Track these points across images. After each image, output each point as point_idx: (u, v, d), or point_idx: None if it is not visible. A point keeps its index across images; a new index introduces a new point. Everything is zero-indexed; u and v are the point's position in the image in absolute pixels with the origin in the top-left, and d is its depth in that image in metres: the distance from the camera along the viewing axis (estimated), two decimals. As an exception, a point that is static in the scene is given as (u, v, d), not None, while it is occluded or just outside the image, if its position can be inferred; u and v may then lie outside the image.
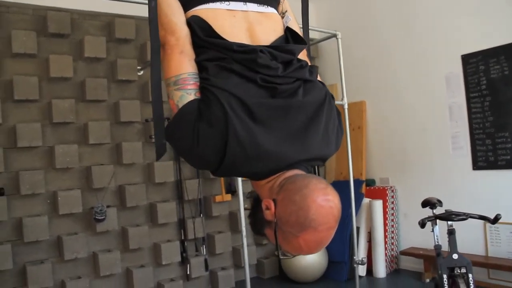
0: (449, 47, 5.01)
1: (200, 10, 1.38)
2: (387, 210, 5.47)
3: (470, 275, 3.13)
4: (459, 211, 3.41)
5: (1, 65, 4.28)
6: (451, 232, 3.30)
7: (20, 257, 4.22)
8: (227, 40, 1.34)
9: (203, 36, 1.35)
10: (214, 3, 1.39)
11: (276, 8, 1.54)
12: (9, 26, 4.32)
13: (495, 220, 3.13)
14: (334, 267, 5.36)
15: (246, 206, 5.61)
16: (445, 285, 3.17)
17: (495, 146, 4.65)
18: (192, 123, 1.25)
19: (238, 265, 5.40)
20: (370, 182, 5.84)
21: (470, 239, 4.71)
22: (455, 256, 3.21)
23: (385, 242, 5.38)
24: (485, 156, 4.74)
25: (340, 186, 5.06)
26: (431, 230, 3.56)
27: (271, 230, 1.23)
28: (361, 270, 5.31)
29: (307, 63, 1.46)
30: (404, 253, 5.33)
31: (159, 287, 4.90)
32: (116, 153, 4.80)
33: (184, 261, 5.06)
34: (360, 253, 5.29)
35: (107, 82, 4.76)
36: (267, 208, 1.22)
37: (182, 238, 5.09)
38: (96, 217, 4.45)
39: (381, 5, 5.72)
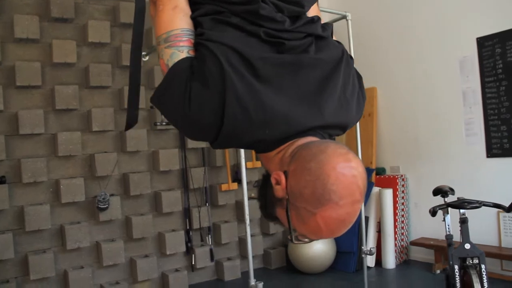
0: (464, 30, 4.84)
1: None
2: (397, 199, 5.33)
3: (483, 266, 3.00)
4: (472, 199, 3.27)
5: (3, 50, 4.21)
6: (463, 221, 3.16)
7: (22, 246, 4.17)
8: None
9: None
10: None
11: None
12: (11, 11, 4.25)
13: (510, 208, 2.99)
14: (342, 257, 5.25)
15: (252, 194, 5.52)
16: (457, 276, 3.05)
17: (511, 133, 4.48)
18: (184, 83, 1.07)
19: (244, 255, 5.30)
20: (380, 171, 5.70)
21: (483, 229, 4.57)
22: (467, 246, 3.08)
23: (395, 232, 5.26)
24: (500, 143, 4.58)
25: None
26: (443, 219, 3.43)
27: (283, 209, 1.04)
28: (370, 261, 5.19)
29: (319, 18, 1.27)
30: (414, 243, 5.21)
31: (164, 277, 4.83)
32: (120, 140, 4.72)
33: (189, 251, 4.98)
34: (369, 243, 5.17)
35: (112, 68, 4.67)
36: (277, 183, 1.04)
37: (187, 227, 5.01)
38: (99, 205, 4.37)
39: (393, -11, 5.56)
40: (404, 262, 5.40)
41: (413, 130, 5.44)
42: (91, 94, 4.60)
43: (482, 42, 4.69)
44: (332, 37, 1.30)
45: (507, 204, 3.07)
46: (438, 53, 5.10)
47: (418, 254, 5.38)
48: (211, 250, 5.07)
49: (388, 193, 5.17)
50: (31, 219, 4.10)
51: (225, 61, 1.06)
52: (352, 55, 4.26)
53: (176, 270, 4.87)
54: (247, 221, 3.14)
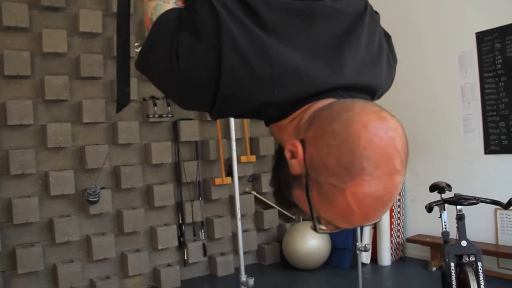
0: (463, 24, 4.75)
1: None
2: (393, 195, 5.26)
3: (479, 264, 2.92)
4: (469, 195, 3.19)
5: (-10, 39, 4.11)
6: (460, 218, 3.09)
7: (10, 239, 4.08)
8: None
9: None
10: None
11: None
12: (0, -2, 4.15)
13: (509, 204, 2.91)
14: (337, 254, 5.18)
15: (247, 189, 5.45)
16: (453, 273, 2.97)
17: (509, 129, 4.41)
18: (170, 37, 0.88)
19: (238, 250, 5.21)
20: (376, 167, 5.62)
21: (480, 226, 4.51)
22: (463, 243, 3.01)
23: (391, 229, 5.19)
24: (498, 140, 4.51)
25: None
26: (439, 216, 3.36)
27: (301, 190, 0.81)
28: (365, 258, 5.12)
29: None
30: (410, 240, 5.14)
31: (155, 272, 4.75)
32: (112, 132, 4.63)
33: (182, 246, 4.91)
34: (365, 239, 5.11)
35: (103, 59, 4.57)
36: (293, 156, 0.81)
37: (180, 222, 4.93)
38: (89, 198, 4.29)
39: (391, -18, 5.46)
40: (400, 259, 5.33)
41: (410, 125, 5.33)
42: (82, 85, 4.51)
43: (481, 37, 4.61)
44: None
45: (505, 201, 3.00)
46: (437, 48, 5.02)
47: (414, 251, 5.32)
48: (204, 245, 5.00)
49: (384, 189, 5.09)
50: (19, 211, 4.01)
51: (220, 5, 0.88)
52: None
53: (168, 265, 4.80)
54: (238, 216, 3.07)
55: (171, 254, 4.91)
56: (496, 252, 4.35)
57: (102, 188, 4.43)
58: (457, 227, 3.11)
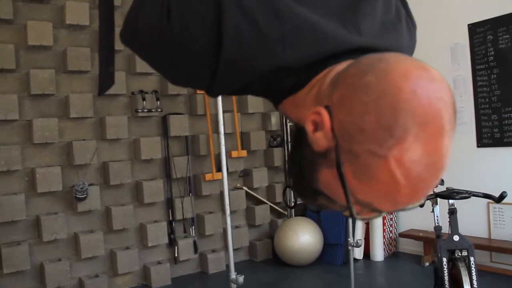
0: (455, 16, 4.71)
1: None
2: (386, 190, 5.22)
3: (471, 258, 2.89)
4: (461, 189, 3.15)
5: (-27, 33, 4.02)
6: (452, 212, 3.05)
7: (-5, 237, 4.00)
8: None
9: None
10: None
11: None
12: (-18, -10, 4.05)
13: (501, 198, 2.87)
14: (330, 250, 5.14)
15: (238, 185, 5.39)
16: (445, 268, 2.94)
17: (502, 122, 4.38)
18: None
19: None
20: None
21: (473, 220, 4.48)
22: (456, 238, 2.97)
23: (384, 224, 5.15)
24: (491, 133, 4.47)
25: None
26: (431, 211, 3.32)
27: (330, 168, 0.67)
28: (358, 253, 5.08)
29: None
30: (403, 235, 5.11)
31: (145, 270, 4.69)
32: (100, 127, 4.55)
33: (172, 243, 4.85)
34: (357, 235, 5.06)
35: (91, 52, 4.48)
36: (316, 127, 0.67)
37: (170, 218, 4.87)
38: (77, 195, 4.21)
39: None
40: (393, 255, 5.30)
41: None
42: (69, 79, 4.42)
43: (473, 29, 4.56)
44: None
45: (497, 195, 2.96)
46: (429, 39, 4.95)
47: (407, 246, 5.28)
48: (194, 242, 4.94)
49: (376, 184, 5.05)
50: (5, 209, 3.93)
51: None
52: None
53: (159, 263, 4.74)
54: (228, 212, 3.01)
55: (161, 251, 4.85)
56: (489, 246, 4.33)
57: (90, 184, 4.36)
58: (449, 221, 3.07)
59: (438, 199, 3.23)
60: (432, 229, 3.42)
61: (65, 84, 4.39)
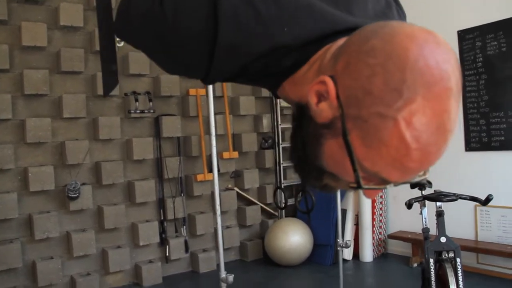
0: (445, 23, 4.78)
1: None
2: (375, 192, 5.28)
3: (458, 260, 2.95)
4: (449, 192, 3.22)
5: (-32, 32, 4.03)
6: (439, 214, 3.11)
7: (-13, 235, 4.02)
8: None
9: None
10: None
11: None
12: (-23, -10, 4.07)
13: (487, 201, 2.95)
14: (319, 250, 5.19)
15: (229, 185, 5.43)
16: (432, 269, 3.00)
17: (489, 127, 4.46)
18: None
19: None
20: (359, 164, 5.64)
21: (460, 223, 4.56)
22: (443, 239, 3.03)
23: (373, 225, 5.21)
24: (479, 137, 4.55)
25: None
26: (420, 212, 3.38)
27: (336, 139, 0.66)
28: (347, 254, 5.15)
29: None
30: (392, 236, 5.17)
31: (137, 269, 4.72)
32: (93, 128, 4.58)
33: (163, 242, 4.88)
34: (347, 236, 5.13)
35: (84, 53, 4.51)
36: (321, 97, 0.66)
37: (162, 218, 4.90)
38: (70, 194, 4.24)
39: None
40: (382, 255, 5.37)
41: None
42: (63, 80, 4.44)
43: (463, 35, 4.64)
44: None
45: (484, 198, 3.03)
46: (419, 44, 5.04)
47: (396, 247, 5.35)
48: (185, 241, 4.98)
49: (366, 186, 5.11)
50: (-3, 208, 3.95)
51: None
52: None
53: (150, 262, 4.77)
54: (218, 212, 3.05)
55: (153, 250, 4.88)
56: (475, 248, 4.40)
57: (83, 184, 4.39)
58: (436, 223, 3.13)
59: (426, 202, 3.30)
60: (420, 231, 3.49)
61: (58, 84, 4.42)
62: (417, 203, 3.28)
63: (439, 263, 3.03)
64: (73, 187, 4.25)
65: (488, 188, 4.12)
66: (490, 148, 4.48)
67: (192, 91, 5.09)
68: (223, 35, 0.71)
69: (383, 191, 5.39)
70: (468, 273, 4.13)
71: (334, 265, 4.97)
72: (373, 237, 5.20)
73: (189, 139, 5.08)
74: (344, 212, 5.15)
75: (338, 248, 4.00)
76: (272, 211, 5.74)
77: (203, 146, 5.06)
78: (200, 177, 5.02)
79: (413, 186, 3.55)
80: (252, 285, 4.65)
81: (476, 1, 4.53)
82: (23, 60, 4.26)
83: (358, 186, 0.65)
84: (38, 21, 4.29)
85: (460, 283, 2.89)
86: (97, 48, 4.52)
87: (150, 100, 4.80)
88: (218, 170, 5.07)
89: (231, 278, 2.88)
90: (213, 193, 5.21)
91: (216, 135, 3.37)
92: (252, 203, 5.56)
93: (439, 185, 3.68)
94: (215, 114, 3.24)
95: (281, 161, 5.69)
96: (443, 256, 3.02)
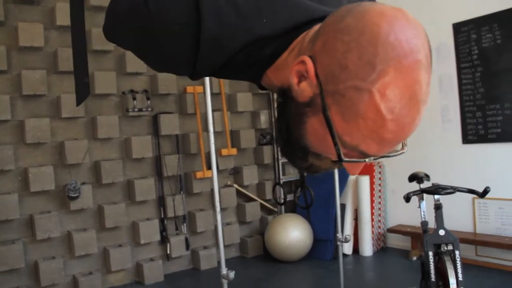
0: (440, 15, 4.80)
1: None
2: (374, 186, 5.32)
3: (457, 252, 2.97)
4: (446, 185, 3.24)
5: (-35, 34, 4.04)
6: (438, 207, 3.13)
7: (-11, 236, 4.03)
8: None
9: None
10: None
11: None
12: (-27, -9, 4.07)
13: (484, 193, 2.97)
14: (319, 245, 5.22)
15: (228, 182, 5.45)
16: (431, 262, 3.02)
17: (486, 119, 4.48)
18: None
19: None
20: (357, 158, 5.66)
21: (458, 215, 4.58)
22: (441, 232, 3.05)
23: (372, 220, 5.24)
24: (475, 130, 4.58)
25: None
26: (418, 206, 3.40)
27: (317, 116, 0.70)
28: (347, 249, 5.17)
29: None
30: (391, 230, 5.20)
31: (138, 267, 4.74)
32: (91, 127, 4.59)
33: (164, 240, 4.90)
34: (346, 231, 5.15)
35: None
36: (301, 77, 0.71)
37: (162, 216, 4.92)
38: (70, 194, 4.26)
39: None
40: (382, 249, 5.40)
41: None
42: (60, 80, 4.45)
43: (458, 28, 4.66)
44: None
45: (481, 190, 3.05)
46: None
47: (395, 241, 5.38)
48: (186, 239, 5.00)
49: (365, 180, 5.14)
50: (-2, 208, 3.97)
51: None
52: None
53: (151, 260, 4.79)
54: (218, 209, 3.07)
55: (154, 248, 4.90)
56: (474, 240, 4.43)
57: (83, 183, 4.41)
58: (435, 216, 3.15)
59: (424, 195, 3.32)
60: (419, 224, 3.51)
61: (56, 84, 4.42)
62: (415, 196, 3.30)
63: (438, 256, 3.05)
64: (73, 187, 4.27)
65: (485, 181, 4.14)
66: (486, 141, 4.50)
67: (189, 89, 5.10)
68: (206, 29, 0.74)
69: (382, 185, 5.42)
70: (467, 265, 4.16)
71: (334, 260, 4.99)
72: (372, 232, 5.23)
73: (187, 137, 5.09)
74: (343, 206, 5.18)
75: (338, 243, 4.03)
76: (271, 207, 5.76)
77: (201, 144, 5.08)
78: (199, 175, 5.04)
79: (410, 179, 3.58)
80: (253, 281, 4.68)
81: (471, -6, 4.55)
82: (20, 61, 4.26)
83: (340, 159, 0.69)
84: (35, 22, 4.29)
85: (459, 275, 2.91)
86: (94, 48, 4.54)
87: (148, 99, 4.81)
88: (217, 167, 5.10)
89: (232, 274, 2.90)
90: (212, 190, 5.23)
91: (214, 132, 3.38)
92: (252, 199, 5.59)
93: (436, 178, 3.71)
94: (212, 111, 3.26)
95: (280, 157, 5.71)
96: (442, 249, 3.04)
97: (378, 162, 5.43)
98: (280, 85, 0.79)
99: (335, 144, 0.68)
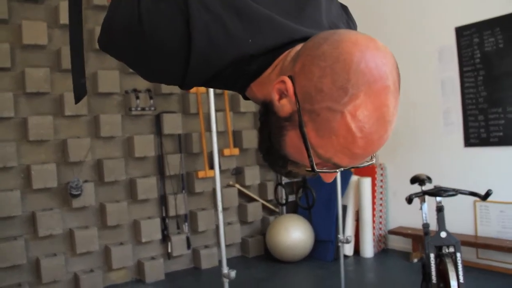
0: (443, 19, 4.80)
1: None
2: (375, 188, 5.32)
3: (458, 255, 2.98)
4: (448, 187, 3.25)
5: (-31, 31, 4.05)
6: (439, 209, 3.14)
7: (-9, 233, 4.05)
8: None
9: None
10: None
11: None
12: (-22, -11, 4.09)
13: (486, 196, 2.97)
14: (321, 246, 5.23)
15: (230, 182, 5.46)
16: (432, 264, 3.03)
17: (488, 122, 4.49)
18: (130, 0, 0.82)
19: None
20: (359, 160, 5.66)
21: (460, 218, 4.58)
22: (443, 234, 3.06)
23: (373, 221, 5.24)
24: (477, 133, 4.58)
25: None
26: (420, 208, 3.41)
27: (295, 129, 0.77)
28: (348, 250, 5.18)
29: None
30: (392, 232, 5.20)
31: (139, 265, 4.75)
32: (94, 125, 4.61)
33: (165, 238, 4.91)
34: (347, 232, 5.16)
35: (85, 51, 4.51)
36: (282, 94, 0.78)
37: (163, 215, 4.93)
38: (72, 192, 4.27)
39: (374, -24, 5.49)
40: (382, 251, 5.40)
41: (392, 118, 5.40)
42: (64, 78, 4.46)
43: (460, 32, 4.66)
44: None
45: (483, 193, 3.06)
46: (418, 42, 5.06)
47: (396, 243, 5.38)
48: (187, 238, 5.01)
49: (366, 182, 5.15)
50: (1, 205, 3.98)
51: None
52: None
53: (152, 258, 4.80)
54: (220, 208, 3.08)
55: (155, 247, 4.91)
56: (475, 243, 4.43)
57: (85, 181, 4.42)
58: (437, 218, 3.16)
59: (426, 197, 3.32)
60: (420, 226, 3.52)
61: (59, 82, 4.44)
62: (417, 198, 3.30)
63: (440, 258, 3.06)
64: (75, 185, 4.28)
65: (487, 184, 4.15)
66: (489, 144, 4.50)
67: (192, 89, 5.10)
68: (196, 48, 0.81)
69: (383, 187, 5.43)
70: (468, 267, 4.17)
71: (335, 261, 5.01)
72: (373, 233, 5.23)
73: (190, 136, 5.10)
74: (344, 208, 5.19)
75: (339, 244, 4.03)
76: (273, 208, 5.77)
77: (204, 143, 5.09)
78: (201, 174, 5.05)
79: (412, 181, 3.58)
80: (254, 281, 4.69)
81: (475, -2, 4.55)
82: (24, 59, 4.28)
83: (313, 170, 0.76)
84: (39, 20, 4.31)
85: (461, 277, 2.91)
86: (97, 47, 4.53)
87: (150, 98, 4.83)
88: (219, 167, 5.11)
89: (233, 274, 2.90)
90: (214, 190, 5.25)
91: (217, 132, 3.39)
92: (253, 199, 5.60)
93: (438, 180, 3.72)
94: (215, 111, 3.27)
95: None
96: (444, 251, 3.04)
97: (380, 164, 5.43)
98: (263, 98, 0.87)
99: (309, 156, 0.75)
